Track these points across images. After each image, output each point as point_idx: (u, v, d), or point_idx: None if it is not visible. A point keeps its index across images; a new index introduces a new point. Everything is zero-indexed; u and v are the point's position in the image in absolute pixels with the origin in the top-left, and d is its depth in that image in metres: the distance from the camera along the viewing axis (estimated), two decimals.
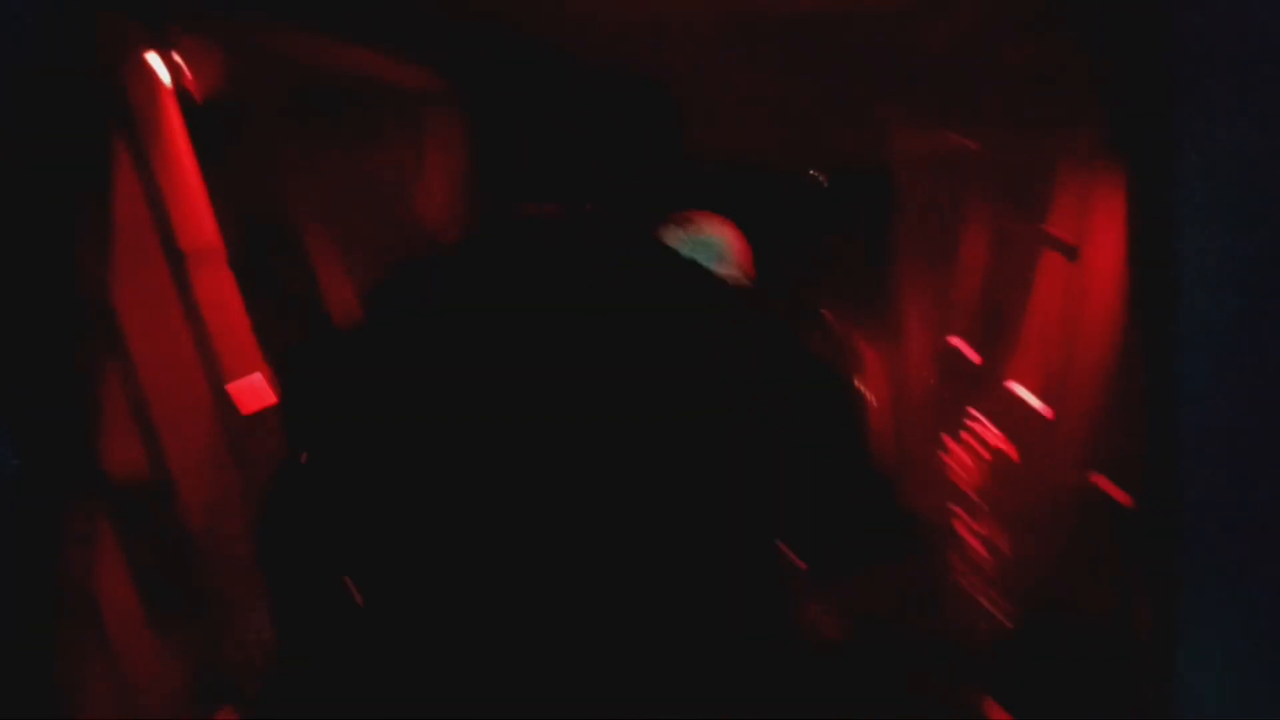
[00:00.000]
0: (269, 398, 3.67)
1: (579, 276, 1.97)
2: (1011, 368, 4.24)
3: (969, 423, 4.50)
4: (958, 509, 4.50)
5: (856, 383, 2.08)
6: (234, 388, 3.58)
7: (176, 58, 3.57)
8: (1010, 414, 4.16)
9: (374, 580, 1.95)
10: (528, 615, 1.88)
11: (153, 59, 3.51)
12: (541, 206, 2.05)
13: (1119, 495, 3.20)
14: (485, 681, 1.88)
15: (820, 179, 5.19)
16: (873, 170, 5.10)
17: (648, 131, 2.08)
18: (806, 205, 5.28)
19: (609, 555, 1.87)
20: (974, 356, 4.65)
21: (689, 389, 1.88)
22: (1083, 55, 3.29)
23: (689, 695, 1.88)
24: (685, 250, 2.13)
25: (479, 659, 1.89)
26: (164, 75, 3.55)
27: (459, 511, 1.90)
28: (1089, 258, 3.58)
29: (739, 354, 1.92)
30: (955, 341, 4.77)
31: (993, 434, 4.34)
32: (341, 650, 1.96)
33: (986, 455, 4.35)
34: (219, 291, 3.72)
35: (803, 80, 4.57)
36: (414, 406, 1.93)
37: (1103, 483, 3.27)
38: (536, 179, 2.06)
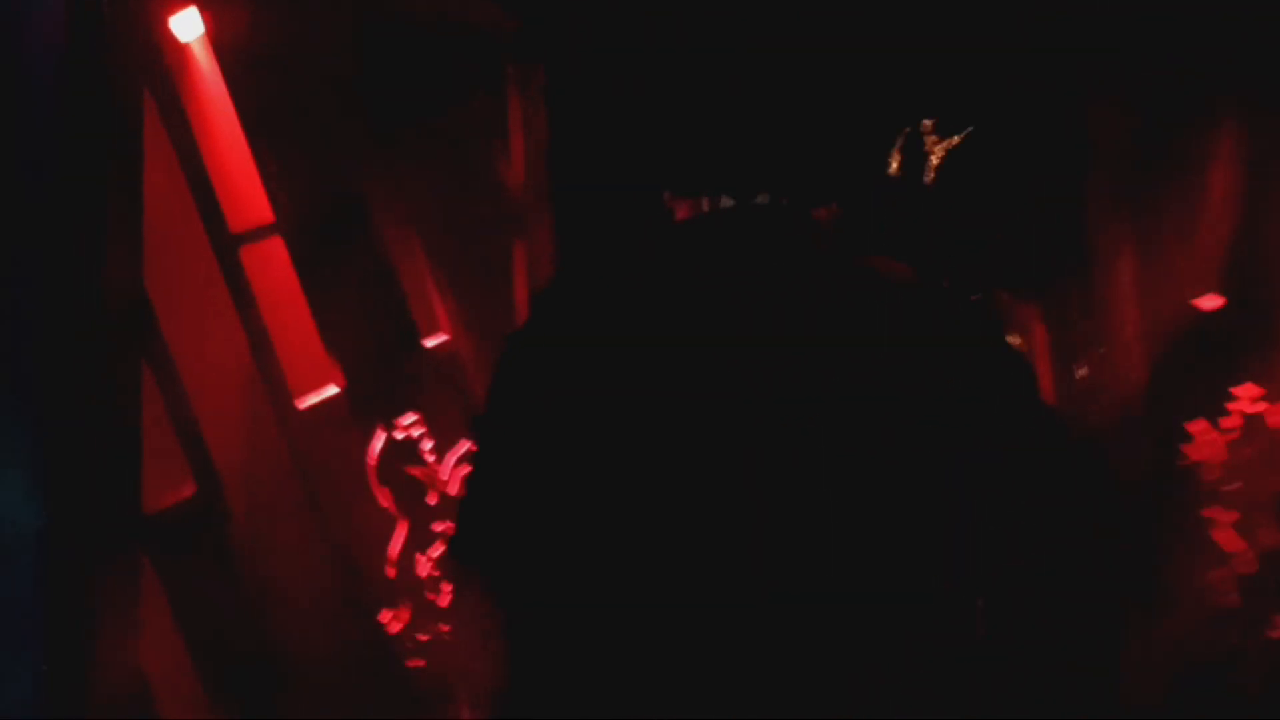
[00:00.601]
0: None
1: (800, 279, 1.87)
2: None
3: (1221, 397, 4.13)
4: (1203, 499, 4.16)
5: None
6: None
7: (219, 13, 3.40)
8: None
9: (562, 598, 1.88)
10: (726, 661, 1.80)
11: (190, 15, 3.33)
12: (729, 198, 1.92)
13: None
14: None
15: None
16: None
17: (818, 111, 1.97)
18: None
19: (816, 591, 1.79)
20: (1229, 316, 4.24)
21: (915, 418, 1.79)
22: None
23: None
24: None
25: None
26: (204, 34, 3.37)
27: (671, 536, 1.81)
28: None
29: (974, 385, 1.82)
30: (1202, 302, 4.31)
31: (1257, 406, 4.02)
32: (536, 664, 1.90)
33: (1246, 434, 4.05)
34: (275, 279, 3.54)
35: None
36: (629, 424, 1.83)
37: None
38: (700, 168, 1.94)
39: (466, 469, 3.69)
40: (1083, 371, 4.45)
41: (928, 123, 4.52)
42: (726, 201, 1.92)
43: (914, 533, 1.78)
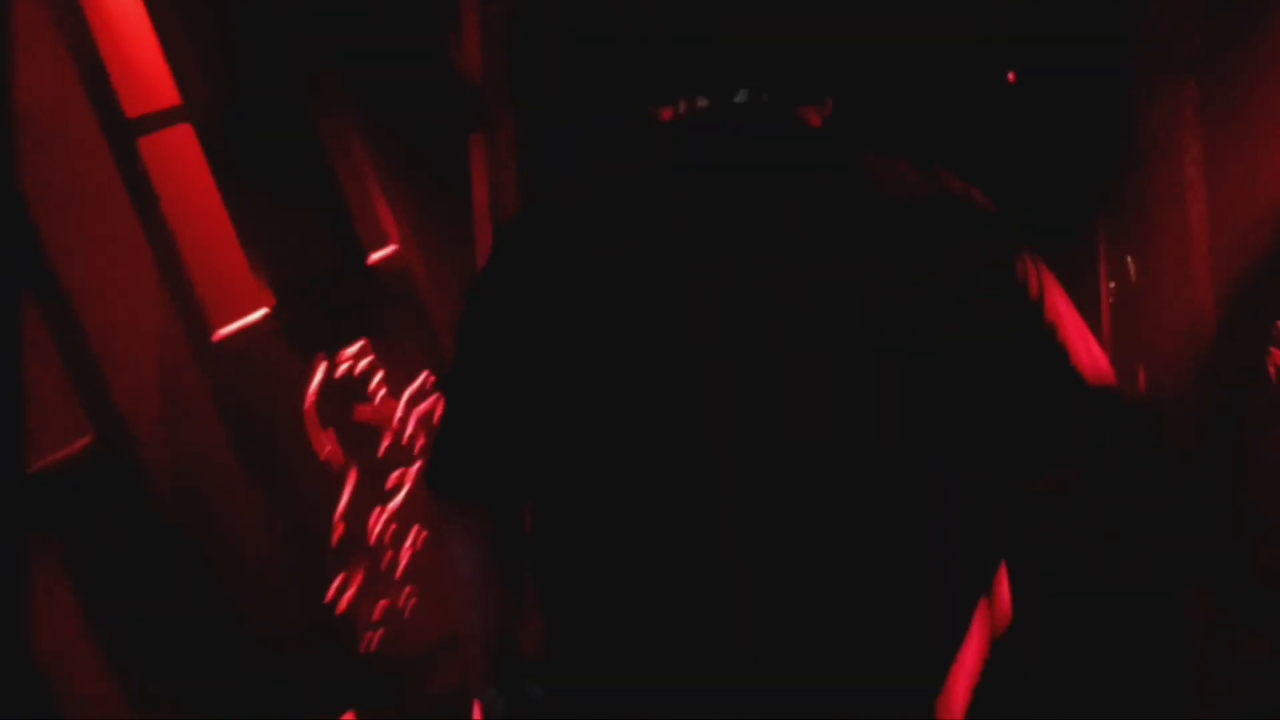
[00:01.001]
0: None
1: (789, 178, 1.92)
2: None
3: None
4: None
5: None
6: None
7: None
8: None
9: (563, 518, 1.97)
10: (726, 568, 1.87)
11: None
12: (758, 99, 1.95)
13: None
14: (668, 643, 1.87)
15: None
16: None
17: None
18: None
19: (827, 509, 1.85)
20: None
21: (913, 309, 1.84)
22: None
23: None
24: None
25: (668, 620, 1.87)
26: None
27: (664, 447, 1.89)
28: None
29: (977, 274, 1.86)
30: None
31: None
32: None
33: None
34: (186, 180, 3.38)
35: None
36: (620, 336, 1.90)
37: None
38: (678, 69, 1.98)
39: (426, 406, 3.63)
40: (1131, 275, 4.17)
41: None
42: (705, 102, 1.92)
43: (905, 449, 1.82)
